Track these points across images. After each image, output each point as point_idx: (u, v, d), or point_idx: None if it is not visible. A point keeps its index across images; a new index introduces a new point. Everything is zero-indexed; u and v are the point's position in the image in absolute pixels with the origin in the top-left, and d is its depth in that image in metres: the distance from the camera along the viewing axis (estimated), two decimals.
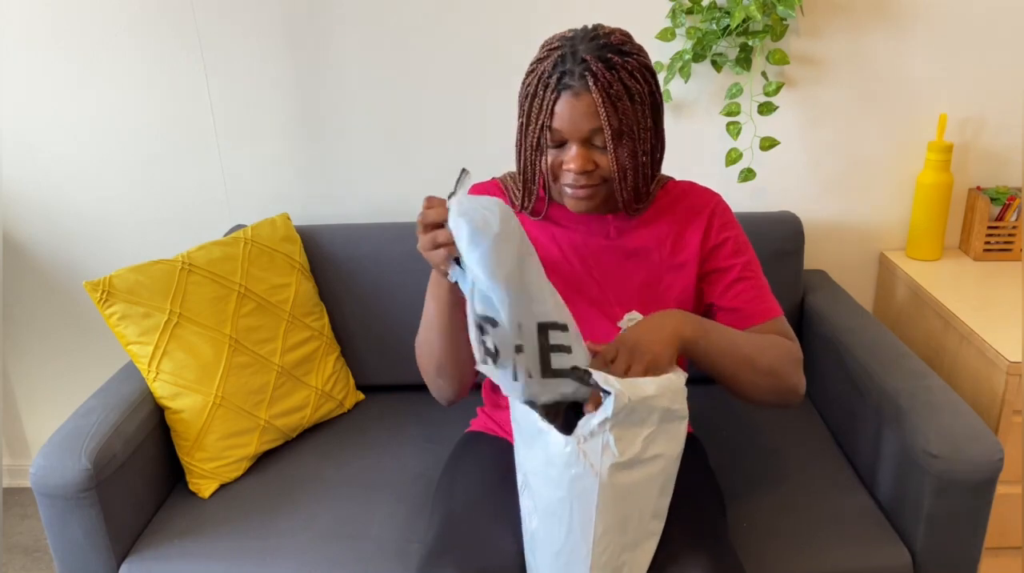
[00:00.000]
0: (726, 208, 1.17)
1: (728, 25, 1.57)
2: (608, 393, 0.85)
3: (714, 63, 1.66)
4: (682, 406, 0.92)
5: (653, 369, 0.94)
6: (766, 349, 1.08)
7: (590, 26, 1.05)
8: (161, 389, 1.36)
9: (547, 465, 0.90)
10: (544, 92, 1.01)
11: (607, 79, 0.98)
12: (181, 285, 1.40)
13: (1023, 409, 1.36)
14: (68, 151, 1.78)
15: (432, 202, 0.92)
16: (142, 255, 1.86)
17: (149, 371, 1.36)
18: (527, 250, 0.90)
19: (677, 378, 0.93)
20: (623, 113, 1.00)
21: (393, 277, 1.63)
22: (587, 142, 1.02)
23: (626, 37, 1.04)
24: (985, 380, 1.40)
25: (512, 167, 1.76)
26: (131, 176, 1.80)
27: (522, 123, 1.06)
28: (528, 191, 1.12)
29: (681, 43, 1.67)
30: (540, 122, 1.03)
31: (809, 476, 1.36)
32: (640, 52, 1.04)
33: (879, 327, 1.50)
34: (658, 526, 0.97)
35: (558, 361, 0.92)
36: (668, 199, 1.16)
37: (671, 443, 0.92)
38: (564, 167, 1.04)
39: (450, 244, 0.89)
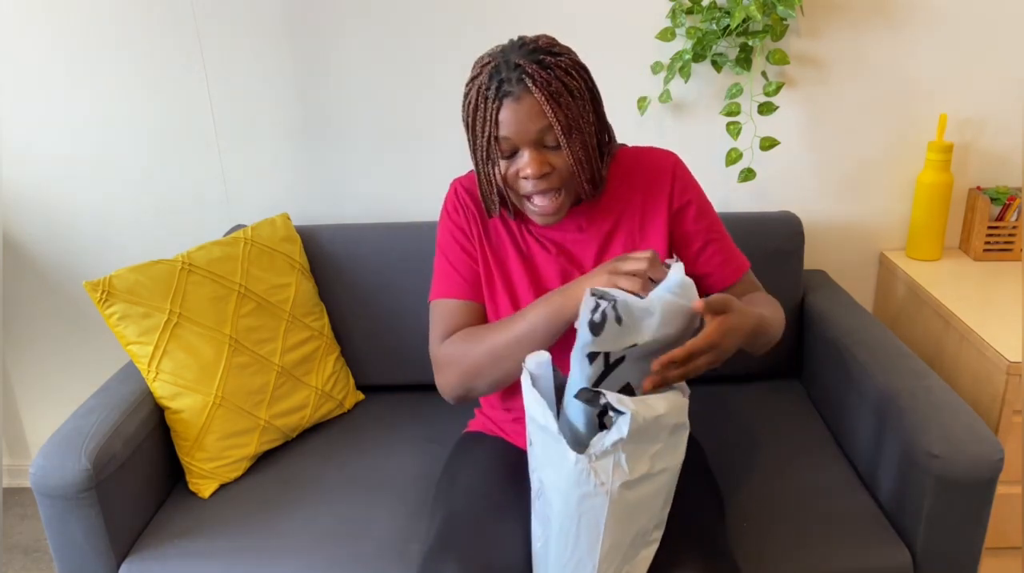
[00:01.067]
0: (685, 168, 1.18)
1: (728, 25, 1.57)
2: (622, 413, 0.85)
3: (714, 63, 1.66)
4: (686, 419, 0.93)
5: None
6: (774, 314, 1.11)
7: (516, 38, 1.06)
8: (161, 389, 1.36)
9: (558, 477, 0.91)
10: (485, 104, 1.01)
11: (544, 78, 1.00)
12: (181, 285, 1.40)
13: (1023, 409, 1.36)
14: (68, 151, 1.78)
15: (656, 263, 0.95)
16: (142, 255, 1.86)
17: (149, 371, 1.36)
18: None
19: (682, 394, 0.94)
20: (567, 107, 1.02)
21: (393, 277, 1.63)
22: (538, 144, 1.03)
23: (552, 40, 1.05)
24: (985, 380, 1.40)
25: None
26: (131, 176, 1.80)
27: (471, 140, 1.06)
28: (491, 203, 1.12)
29: (681, 43, 1.67)
30: (487, 134, 1.03)
31: (809, 476, 1.36)
32: (569, 52, 1.05)
33: (879, 327, 1.50)
34: (658, 534, 0.97)
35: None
36: (622, 169, 1.17)
37: (675, 455, 0.93)
38: (520, 175, 1.04)
39: (649, 282, 0.94)
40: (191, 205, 1.82)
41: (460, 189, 1.20)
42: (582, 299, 0.91)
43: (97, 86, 1.73)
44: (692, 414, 1.34)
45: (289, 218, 1.66)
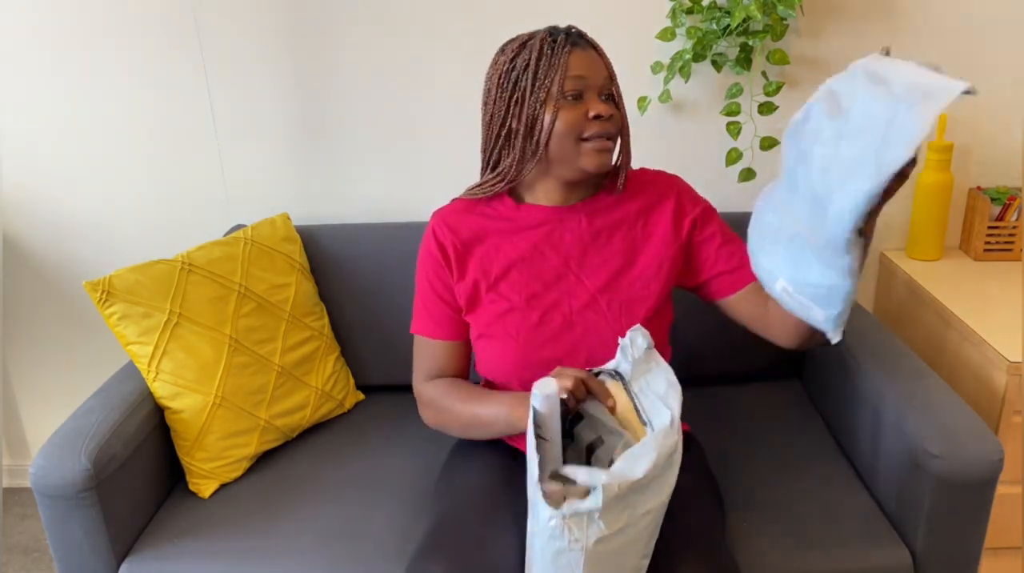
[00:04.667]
0: (688, 186, 1.23)
1: (728, 25, 1.57)
2: (595, 487, 0.82)
3: (714, 63, 1.66)
4: (677, 456, 0.89)
5: None
6: None
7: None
8: (161, 389, 1.36)
9: (535, 525, 0.89)
10: (553, 51, 1.06)
11: (596, 43, 1.11)
12: (181, 285, 1.40)
13: (1023, 409, 1.36)
14: (68, 151, 1.78)
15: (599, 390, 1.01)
16: (142, 255, 1.86)
17: (149, 371, 1.36)
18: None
19: (671, 426, 0.89)
20: (614, 74, 1.12)
21: (393, 277, 1.63)
22: (601, 94, 1.08)
23: None
24: (985, 380, 1.40)
25: None
26: (131, 176, 1.80)
27: (514, 95, 1.08)
28: (524, 161, 1.11)
29: (681, 43, 1.66)
30: (554, 76, 1.06)
31: (809, 476, 1.36)
32: None
33: (879, 327, 1.50)
34: (646, 562, 0.95)
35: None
36: (634, 184, 1.21)
37: (660, 494, 0.89)
38: (589, 115, 1.07)
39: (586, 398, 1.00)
40: (191, 205, 1.82)
41: (437, 223, 1.21)
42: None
43: (97, 86, 1.73)
44: (692, 414, 1.34)
45: (289, 218, 1.66)
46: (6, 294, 1.91)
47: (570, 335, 1.14)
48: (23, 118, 1.76)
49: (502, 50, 1.12)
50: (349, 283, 1.65)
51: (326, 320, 1.62)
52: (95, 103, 1.74)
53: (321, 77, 1.72)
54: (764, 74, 1.66)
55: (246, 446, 1.42)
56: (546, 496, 0.84)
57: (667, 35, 1.64)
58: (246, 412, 1.42)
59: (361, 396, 1.67)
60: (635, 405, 0.97)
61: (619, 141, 1.13)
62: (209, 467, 1.38)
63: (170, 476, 1.42)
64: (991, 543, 1.47)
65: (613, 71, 1.11)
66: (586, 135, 1.07)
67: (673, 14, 1.63)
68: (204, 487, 1.38)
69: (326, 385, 1.57)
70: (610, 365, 1.03)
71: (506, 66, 1.09)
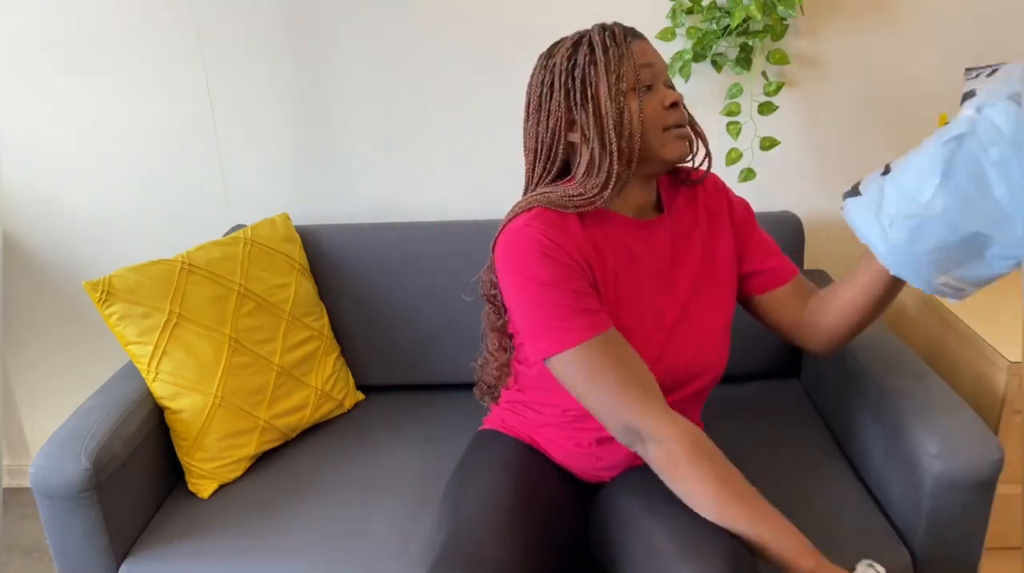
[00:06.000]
0: (724, 183, 1.24)
1: (728, 25, 1.57)
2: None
3: (714, 63, 1.66)
4: None
5: None
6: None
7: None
8: (161, 389, 1.36)
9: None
10: (615, 44, 1.04)
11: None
12: (181, 285, 1.40)
13: (1023, 409, 1.36)
14: (68, 151, 1.78)
15: None
16: (142, 255, 1.86)
17: (149, 371, 1.36)
18: None
19: None
20: None
21: (393, 277, 1.63)
22: (667, 82, 1.08)
23: None
24: (985, 380, 1.40)
25: (509, 170, 1.76)
26: (131, 176, 1.80)
27: (586, 92, 1.03)
28: (628, 160, 1.04)
29: (681, 43, 1.67)
30: (628, 66, 1.03)
31: (809, 476, 1.36)
32: None
33: (879, 327, 1.50)
34: None
35: None
36: (672, 181, 1.21)
37: None
38: (665, 104, 1.05)
39: None
40: (191, 205, 1.82)
41: (540, 228, 1.04)
42: None
43: (97, 86, 1.73)
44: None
45: (289, 218, 1.66)
46: (6, 294, 1.91)
47: (670, 349, 1.10)
48: (23, 118, 1.76)
49: (549, 54, 1.08)
50: (349, 283, 1.65)
51: (326, 320, 1.63)
52: (95, 103, 1.74)
53: (321, 77, 1.72)
54: (764, 74, 1.66)
55: (246, 446, 1.42)
56: None
57: (667, 35, 1.64)
58: (246, 412, 1.42)
59: (361, 396, 1.67)
60: None
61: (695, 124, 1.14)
62: (209, 467, 1.38)
63: (170, 476, 1.42)
64: (991, 543, 1.47)
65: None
66: (667, 124, 1.05)
67: (673, 14, 1.63)
68: (204, 487, 1.38)
69: (326, 385, 1.57)
70: None
71: (564, 65, 1.05)
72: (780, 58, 1.62)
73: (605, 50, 1.04)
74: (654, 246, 1.12)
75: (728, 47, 1.65)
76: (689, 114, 1.11)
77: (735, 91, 1.65)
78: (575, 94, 1.05)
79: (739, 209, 1.21)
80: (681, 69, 1.64)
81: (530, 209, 1.07)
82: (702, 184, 1.20)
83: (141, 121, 1.76)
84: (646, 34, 1.66)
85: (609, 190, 1.05)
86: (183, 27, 1.68)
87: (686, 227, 1.16)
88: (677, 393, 1.13)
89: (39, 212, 1.84)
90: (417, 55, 1.70)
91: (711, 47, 1.62)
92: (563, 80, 1.05)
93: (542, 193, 1.08)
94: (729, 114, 1.67)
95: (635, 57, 1.04)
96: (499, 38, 1.68)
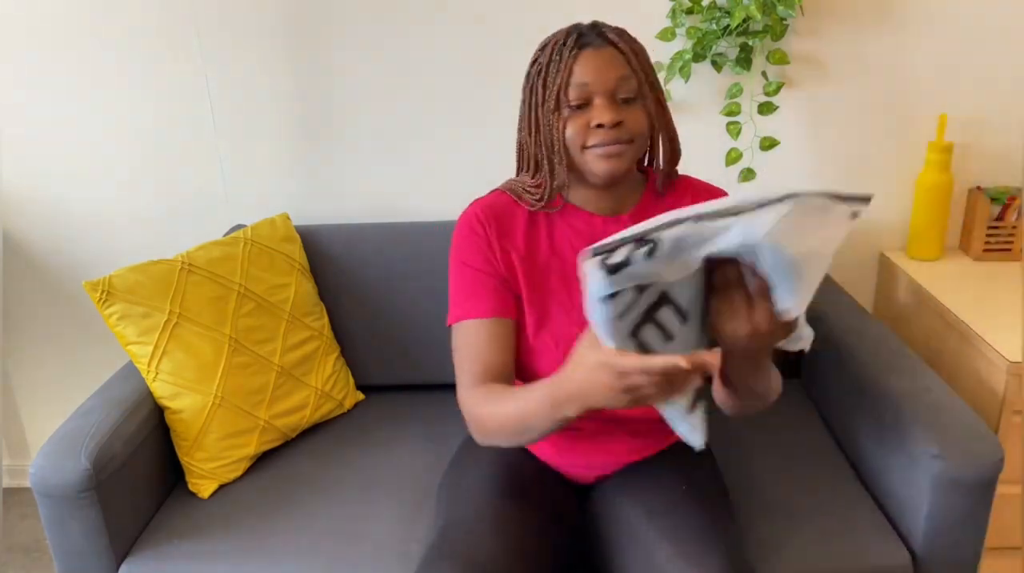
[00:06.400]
0: None
1: (728, 25, 1.57)
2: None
3: (714, 63, 1.66)
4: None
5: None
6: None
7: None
8: (161, 389, 1.36)
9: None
10: (562, 55, 1.02)
11: (625, 36, 1.04)
12: (181, 285, 1.40)
13: (1023, 409, 1.36)
14: (68, 151, 1.78)
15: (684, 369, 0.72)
16: (142, 255, 1.86)
17: (149, 371, 1.36)
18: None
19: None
20: (646, 67, 1.03)
21: (393, 277, 1.63)
22: (613, 95, 1.02)
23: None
24: (985, 380, 1.40)
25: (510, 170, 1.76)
26: (131, 176, 1.80)
27: (532, 100, 1.05)
28: (552, 172, 1.06)
29: (681, 43, 1.66)
30: (559, 83, 1.01)
31: (809, 476, 1.36)
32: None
33: (879, 327, 1.50)
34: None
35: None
36: (677, 191, 1.16)
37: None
38: (593, 123, 1.01)
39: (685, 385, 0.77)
40: (191, 205, 1.82)
41: (478, 209, 1.12)
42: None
43: (97, 86, 1.73)
44: None
45: (289, 218, 1.66)
46: (6, 294, 1.91)
47: None
48: (23, 118, 1.76)
49: (540, 48, 1.08)
50: (349, 283, 1.65)
51: (326, 320, 1.62)
52: (95, 103, 1.74)
53: (321, 77, 1.72)
54: (764, 74, 1.66)
55: (246, 446, 1.42)
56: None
57: (667, 35, 1.64)
58: (246, 412, 1.42)
59: (361, 396, 1.67)
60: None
61: (663, 131, 1.07)
62: (209, 467, 1.38)
63: (170, 476, 1.42)
64: (991, 543, 1.46)
65: (638, 68, 1.03)
66: (587, 144, 1.03)
67: (673, 14, 1.63)
68: (204, 487, 1.38)
69: (326, 385, 1.57)
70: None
71: (530, 69, 1.07)
72: (780, 58, 1.62)
73: (549, 62, 1.03)
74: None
75: (728, 47, 1.65)
76: (652, 124, 1.05)
77: (735, 91, 1.65)
78: (526, 98, 1.07)
79: None
80: (681, 69, 1.64)
81: (495, 191, 1.15)
82: (673, 188, 1.16)
83: (141, 121, 1.76)
84: (646, 34, 1.66)
85: (547, 193, 1.08)
86: (183, 27, 1.68)
87: None
88: None
89: (39, 212, 1.84)
90: (417, 55, 1.70)
91: (711, 47, 1.62)
92: (526, 83, 1.07)
93: (514, 180, 1.15)
94: (729, 114, 1.67)
95: (572, 73, 1.01)
96: (499, 38, 1.68)
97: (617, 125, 1.01)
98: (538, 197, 1.10)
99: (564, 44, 1.02)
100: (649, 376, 0.72)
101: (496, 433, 1.01)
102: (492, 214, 1.11)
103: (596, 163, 1.03)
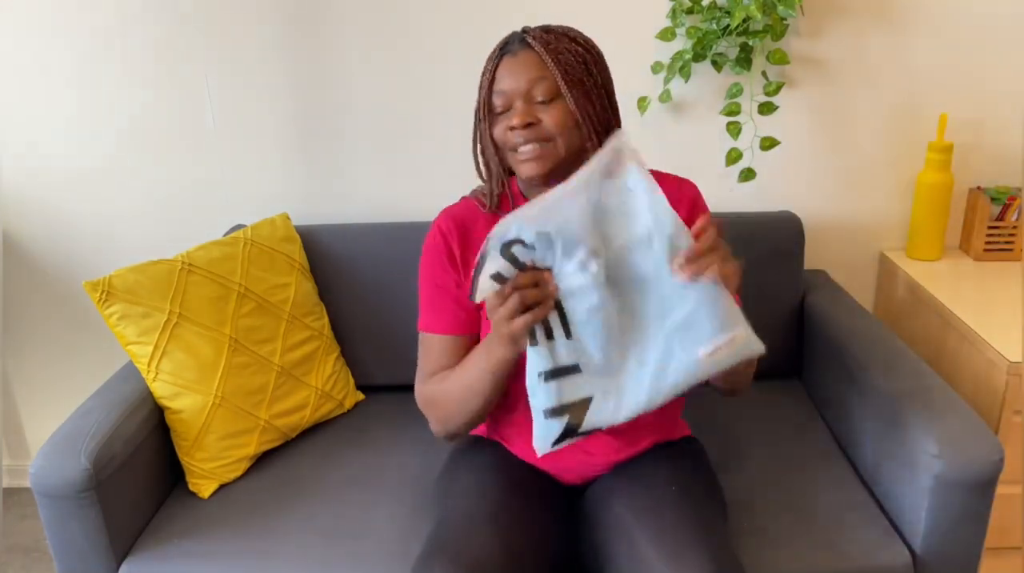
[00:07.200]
0: (703, 201, 1.19)
1: (728, 25, 1.57)
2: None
3: (714, 63, 1.66)
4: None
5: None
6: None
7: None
8: (161, 389, 1.36)
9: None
10: (489, 63, 1.08)
11: (545, 38, 1.06)
12: (181, 285, 1.40)
13: (1023, 409, 1.36)
14: (68, 151, 1.78)
15: (527, 279, 0.89)
16: (142, 255, 1.85)
17: (149, 371, 1.36)
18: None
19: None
20: (567, 65, 1.04)
21: (393, 277, 1.63)
22: (528, 97, 1.05)
23: (576, 30, 1.10)
24: (985, 380, 1.40)
25: None
26: (131, 176, 1.80)
27: (475, 111, 1.11)
28: (492, 178, 1.14)
29: (681, 43, 1.66)
30: (485, 90, 1.07)
31: (809, 476, 1.36)
32: (588, 41, 1.10)
33: (879, 327, 1.50)
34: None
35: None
36: None
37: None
38: (508, 127, 1.06)
39: (541, 304, 0.89)
40: (191, 205, 1.82)
41: (442, 219, 1.20)
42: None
43: (98, 86, 1.73)
44: (692, 415, 1.34)
45: (289, 218, 1.66)
46: (6, 294, 1.91)
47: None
48: (23, 118, 1.76)
49: None
50: (349, 283, 1.65)
51: (326, 320, 1.62)
52: (95, 103, 1.74)
53: (321, 77, 1.72)
54: (764, 74, 1.66)
55: (246, 446, 1.42)
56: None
57: (667, 35, 1.64)
58: (246, 412, 1.42)
59: (361, 396, 1.67)
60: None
61: (590, 125, 1.07)
62: (209, 467, 1.38)
63: (170, 476, 1.42)
64: (991, 543, 1.46)
65: (555, 67, 1.03)
66: (511, 145, 1.07)
67: (673, 14, 1.63)
68: (204, 487, 1.38)
69: (326, 385, 1.57)
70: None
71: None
72: (780, 58, 1.62)
73: (483, 72, 1.08)
74: None
75: (728, 47, 1.65)
76: (585, 116, 1.05)
77: (735, 91, 1.65)
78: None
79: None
80: (681, 69, 1.64)
81: (463, 199, 1.22)
82: (667, 191, 1.16)
83: (141, 121, 1.76)
84: (646, 34, 1.66)
85: (493, 197, 1.15)
86: (183, 27, 1.68)
87: None
88: None
89: (39, 212, 1.84)
90: (417, 55, 1.70)
91: (711, 47, 1.62)
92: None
93: (479, 185, 1.20)
94: (729, 114, 1.67)
95: (496, 80, 1.06)
96: (499, 38, 1.68)
97: (529, 126, 1.05)
98: (488, 200, 1.17)
99: (493, 53, 1.08)
100: (517, 290, 0.88)
101: (447, 407, 1.12)
102: (454, 223, 1.18)
103: (521, 166, 1.08)
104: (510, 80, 1.05)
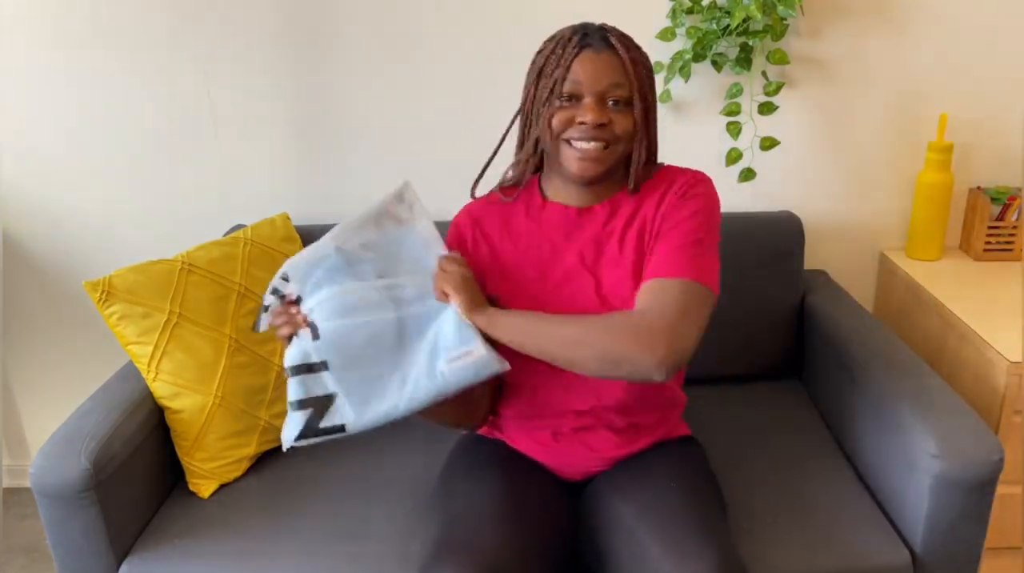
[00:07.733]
0: (710, 186, 1.13)
1: (728, 25, 1.57)
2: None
3: (714, 63, 1.66)
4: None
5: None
6: (581, 322, 1.01)
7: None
8: (161, 389, 1.36)
9: None
10: (564, 50, 1.06)
11: (625, 43, 1.07)
12: (181, 285, 1.40)
13: (1023, 409, 1.36)
14: (68, 151, 1.78)
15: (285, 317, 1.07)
16: (142, 255, 1.86)
17: (149, 371, 1.36)
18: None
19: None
20: (641, 77, 1.07)
21: None
22: (602, 98, 1.06)
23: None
24: (985, 380, 1.40)
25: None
26: (131, 176, 1.80)
27: (530, 91, 1.10)
28: (526, 160, 1.15)
29: (681, 43, 1.67)
30: (555, 76, 1.06)
31: (809, 476, 1.36)
32: (647, 55, 1.12)
33: (879, 327, 1.50)
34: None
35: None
36: (655, 181, 1.15)
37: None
38: (577, 120, 1.05)
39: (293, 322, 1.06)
40: (191, 205, 1.82)
41: (463, 216, 1.21)
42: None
43: (97, 86, 1.73)
44: (693, 415, 1.34)
45: (289, 218, 1.66)
46: (6, 294, 1.91)
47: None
48: (23, 118, 1.76)
49: (545, 44, 1.13)
50: None
51: None
52: (95, 103, 1.74)
53: (321, 77, 1.72)
54: (764, 74, 1.66)
55: (246, 446, 1.42)
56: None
57: (667, 35, 1.64)
58: (246, 412, 1.42)
59: None
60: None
61: (644, 138, 1.10)
62: (209, 467, 1.38)
63: (170, 476, 1.42)
64: (991, 543, 1.47)
65: (633, 76, 1.05)
66: (567, 137, 1.07)
67: (673, 14, 1.63)
68: (204, 487, 1.38)
69: None
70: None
71: (536, 56, 1.11)
72: (780, 58, 1.62)
73: (550, 55, 1.08)
74: (579, 238, 1.14)
75: (728, 47, 1.65)
76: (635, 133, 1.08)
77: (735, 91, 1.65)
78: (527, 81, 1.12)
79: (668, 203, 1.11)
80: (681, 69, 1.64)
81: (485, 195, 1.22)
82: (651, 179, 1.15)
83: (141, 121, 1.76)
84: (646, 34, 1.66)
85: (514, 173, 1.17)
86: (183, 27, 1.68)
87: (624, 225, 1.13)
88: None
89: (39, 212, 1.84)
90: (418, 55, 1.70)
91: (711, 47, 1.62)
92: (530, 66, 1.12)
93: (501, 180, 1.21)
94: (729, 114, 1.67)
95: (571, 70, 1.05)
96: (500, 39, 1.68)
97: (600, 126, 1.06)
98: (517, 173, 1.17)
99: (568, 41, 1.07)
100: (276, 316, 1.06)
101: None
102: (472, 219, 1.20)
103: (575, 162, 1.08)
104: (589, 75, 1.05)
